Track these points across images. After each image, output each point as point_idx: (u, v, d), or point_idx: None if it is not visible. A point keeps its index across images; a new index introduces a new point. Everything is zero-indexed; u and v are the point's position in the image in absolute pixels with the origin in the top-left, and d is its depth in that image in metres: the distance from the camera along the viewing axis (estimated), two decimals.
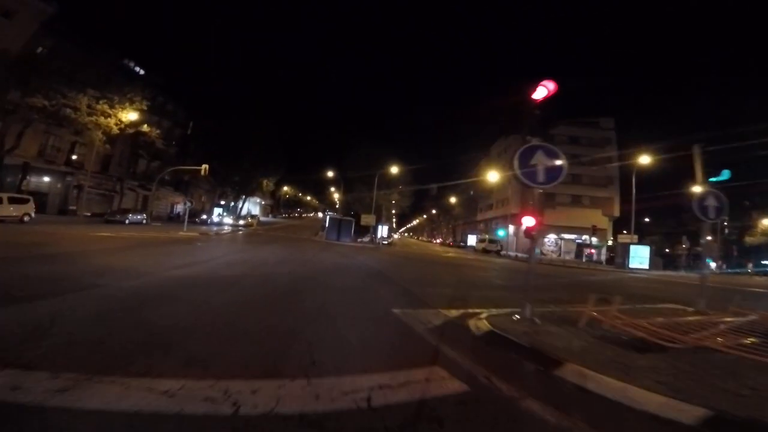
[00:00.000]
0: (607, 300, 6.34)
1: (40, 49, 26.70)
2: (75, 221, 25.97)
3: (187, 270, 8.67)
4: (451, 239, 74.16)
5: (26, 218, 20.64)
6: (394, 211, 67.60)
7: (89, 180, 33.74)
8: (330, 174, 53.91)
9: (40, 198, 27.88)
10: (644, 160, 30.60)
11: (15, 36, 25.13)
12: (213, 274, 8.40)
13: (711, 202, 7.66)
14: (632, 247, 32.99)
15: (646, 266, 31.86)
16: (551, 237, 47.75)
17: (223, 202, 55.72)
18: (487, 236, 49.62)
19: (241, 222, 44.46)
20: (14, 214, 20.14)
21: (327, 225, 36.90)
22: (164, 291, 6.02)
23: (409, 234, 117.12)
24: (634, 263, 31.89)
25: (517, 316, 5.58)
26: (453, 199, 67.36)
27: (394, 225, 69.84)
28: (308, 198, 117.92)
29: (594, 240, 45.05)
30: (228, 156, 44.15)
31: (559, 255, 45.33)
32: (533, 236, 5.85)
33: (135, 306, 4.91)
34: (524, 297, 5.71)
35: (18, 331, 3.50)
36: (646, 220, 62.44)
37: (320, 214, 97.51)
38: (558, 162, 5.57)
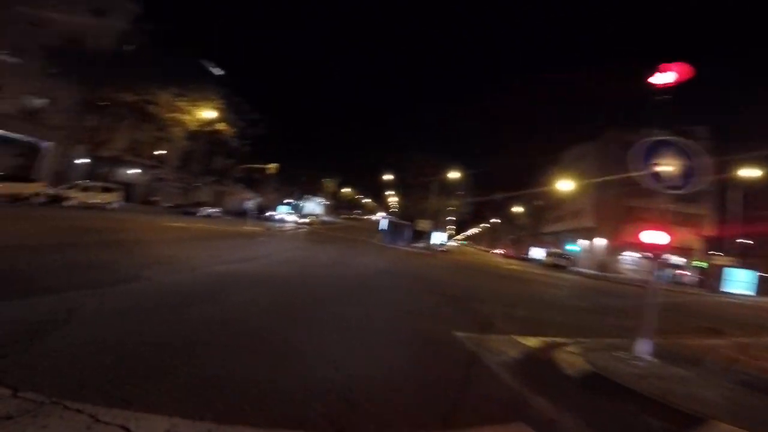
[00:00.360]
0: (719, 331, 4.86)
1: (129, 47, 29.02)
2: (155, 211, 28.25)
3: (239, 266, 8.36)
4: (512, 250, 70.17)
5: (113, 206, 22.66)
6: (452, 218, 65.64)
7: (170, 174, 36.90)
8: (389, 177, 53.70)
9: (128, 188, 30.81)
10: (747, 173, 26.04)
11: (107, 34, 27.77)
12: (263, 272, 7.94)
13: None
14: (730, 270, 29.74)
15: (748, 291, 28.67)
16: (630, 254, 42.77)
17: (288, 200, 58.08)
18: (556, 250, 45.85)
19: (303, 220, 45.79)
20: (103, 201, 22.20)
21: (383, 228, 36.47)
22: (206, 289, 5.50)
23: (466, 242, 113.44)
24: (731, 287, 28.87)
25: (622, 353, 4.25)
26: (518, 209, 63.48)
27: (451, 231, 67.80)
28: (367, 200, 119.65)
29: (684, 260, 39.55)
30: (296, 157, 45.80)
31: (639, 274, 40.44)
32: (658, 256, 4.47)
33: (165, 306, 4.33)
34: (640, 329, 4.34)
35: (19, 329, 2.98)
36: (748, 241, 53.44)
37: (376, 217, 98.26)
38: (694, 161, 4.22)
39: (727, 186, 29.40)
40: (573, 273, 34.22)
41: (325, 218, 72.36)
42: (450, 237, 58.81)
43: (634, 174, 4.33)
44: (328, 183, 62.35)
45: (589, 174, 38.55)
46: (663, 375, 3.67)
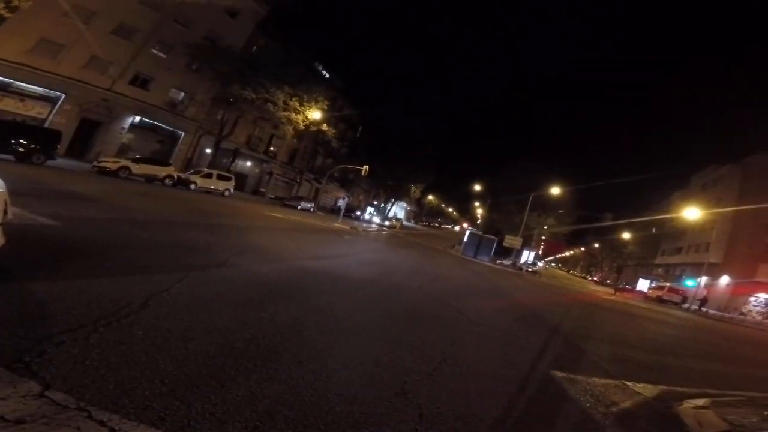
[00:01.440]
0: None
1: (254, 48, 32.69)
2: (261, 201, 31.41)
3: (321, 262, 8.77)
4: (614, 280, 62.35)
5: (226, 192, 25.79)
6: (544, 237, 60.79)
7: (278, 168, 40.73)
8: (477, 188, 51.97)
9: (241, 178, 34.80)
10: None
11: (238, 34, 31.38)
12: (343, 273, 8.13)
13: None
14: None
15: None
16: (761, 296, 35.24)
17: (375, 202, 59.94)
18: (667, 284, 39.60)
19: (387, 223, 46.72)
20: (219, 188, 25.40)
21: (466, 240, 35.27)
22: (285, 284, 5.58)
23: (558, 265, 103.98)
24: None
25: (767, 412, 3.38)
26: (626, 235, 56.15)
27: (540, 252, 62.76)
28: (450, 210, 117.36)
29: None
30: (386, 160, 47.05)
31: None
32: None
33: (245, 302, 4.27)
34: None
35: (91, 313, 2.98)
36: None
37: (458, 228, 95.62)
38: None
39: None
40: (685, 311, 29.20)
41: (407, 223, 72.88)
42: (540, 257, 54.49)
43: None
44: (415, 189, 62.59)
45: (722, 202, 32.47)
46: None
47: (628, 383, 4.44)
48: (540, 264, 45.03)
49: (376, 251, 15.78)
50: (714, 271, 38.04)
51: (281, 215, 20.62)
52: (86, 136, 25.43)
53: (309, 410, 2.39)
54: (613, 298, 27.88)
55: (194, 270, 5.06)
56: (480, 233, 38.18)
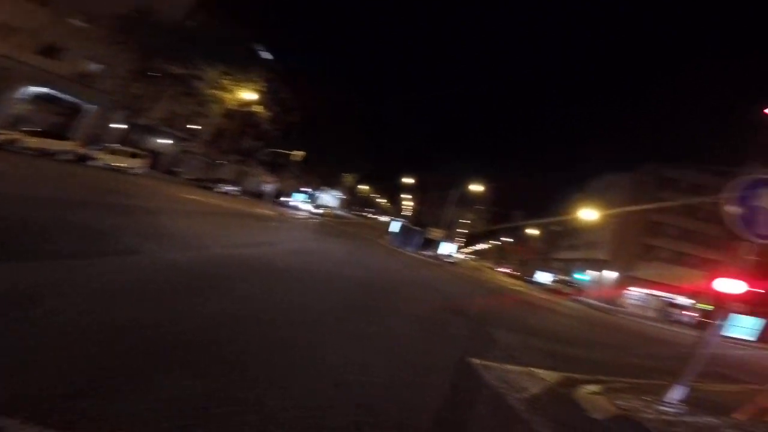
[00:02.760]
0: (732, 377, 4.71)
1: (191, 24, 29.78)
2: (175, 181, 28.81)
3: (245, 251, 8.33)
4: (518, 271, 69.26)
5: (136, 171, 23.22)
6: (464, 230, 65.14)
7: (198, 148, 37.57)
8: (409, 181, 53.59)
9: (155, 156, 31.46)
10: None
11: (173, 9, 28.47)
12: (270, 263, 7.73)
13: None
14: (735, 316, 29.73)
15: (749, 337, 30.22)
16: (637, 290, 42.14)
17: (305, 189, 58.49)
18: (564, 278, 45.12)
19: (318, 211, 46.03)
20: (128, 165, 22.77)
21: (394, 230, 36.38)
22: (203, 276, 5.06)
23: (473, 257, 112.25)
24: (732, 332, 29.36)
25: (650, 396, 4.08)
26: (533, 231, 62.58)
27: (460, 244, 67.22)
28: (383, 201, 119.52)
29: (691, 301, 38.97)
30: (319, 148, 46.06)
31: (644, 311, 39.93)
32: (728, 306, 4.18)
33: (153, 293, 3.86)
34: (679, 374, 4.12)
35: None
36: (759, 290, 51.55)
37: (386, 218, 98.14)
38: None
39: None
40: (579, 303, 33.54)
41: (339, 212, 72.64)
42: (459, 249, 58.35)
43: (725, 210, 3.93)
44: (348, 178, 62.47)
45: (614, 205, 37.79)
46: (695, 424, 3.51)
47: (534, 369, 5.00)
48: (459, 256, 48.20)
49: (306, 240, 15.52)
50: (603, 267, 44.26)
51: (199, 197, 19.19)
52: None
53: (240, 406, 2.34)
54: (518, 288, 30.97)
55: (100, 257, 4.55)
56: (408, 225, 39.63)
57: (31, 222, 5.36)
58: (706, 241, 40.32)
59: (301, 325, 4.32)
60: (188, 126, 36.33)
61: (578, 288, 42.19)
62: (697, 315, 36.83)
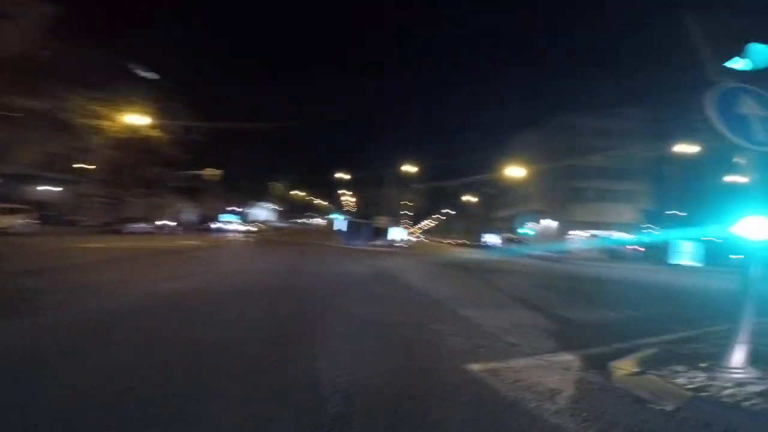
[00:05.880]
0: None
1: (46, 53, 25.56)
2: (74, 232, 24.68)
3: (158, 289, 6.69)
4: (466, 239, 71.79)
5: (19, 229, 19.16)
6: (409, 212, 65.59)
7: (94, 188, 32.77)
8: (342, 175, 52.26)
9: (42, 208, 26.62)
10: (681, 149, 28.22)
11: (17, 38, 23.99)
12: (183, 299, 6.33)
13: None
14: (677, 243, 31.65)
15: (695, 262, 30.45)
16: (580, 234, 44.23)
17: (232, 208, 54.50)
18: (510, 235, 47.36)
19: (252, 228, 43.07)
20: (9, 225, 18.69)
21: (339, 228, 35.18)
22: (83, 334, 4.01)
23: (423, 235, 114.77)
24: (678, 259, 31.02)
25: (704, 364, 3.28)
26: (470, 198, 64.80)
27: (408, 226, 67.70)
28: (323, 202, 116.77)
29: (625, 236, 41.68)
30: (237, 161, 42.85)
31: (590, 254, 42.12)
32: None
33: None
34: (741, 330, 3.16)
35: None
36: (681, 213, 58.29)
37: (329, 219, 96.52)
38: None
39: (662, 161, 31.35)
40: (533, 258, 33.20)
41: (277, 224, 69.29)
42: (408, 231, 58.67)
43: (716, 128, 3.33)
44: (276, 186, 59.42)
45: (536, 159, 39.69)
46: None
47: (547, 356, 4.10)
48: (410, 238, 48.23)
49: (238, 261, 13.80)
50: (540, 217, 46.65)
51: (103, 245, 16.27)
52: None
53: None
54: (473, 256, 31.38)
55: None
56: (353, 219, 38.53)
57: None
58: (621, 175, 44.21)
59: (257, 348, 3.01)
60: (74, 166, 31.36)
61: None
62: (642, 249, 36.89)
